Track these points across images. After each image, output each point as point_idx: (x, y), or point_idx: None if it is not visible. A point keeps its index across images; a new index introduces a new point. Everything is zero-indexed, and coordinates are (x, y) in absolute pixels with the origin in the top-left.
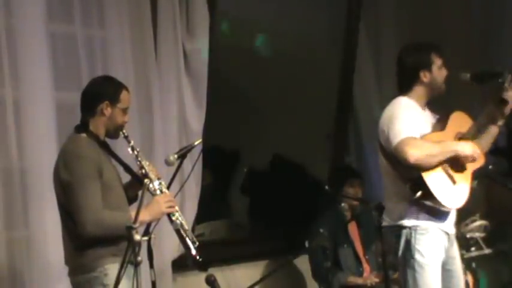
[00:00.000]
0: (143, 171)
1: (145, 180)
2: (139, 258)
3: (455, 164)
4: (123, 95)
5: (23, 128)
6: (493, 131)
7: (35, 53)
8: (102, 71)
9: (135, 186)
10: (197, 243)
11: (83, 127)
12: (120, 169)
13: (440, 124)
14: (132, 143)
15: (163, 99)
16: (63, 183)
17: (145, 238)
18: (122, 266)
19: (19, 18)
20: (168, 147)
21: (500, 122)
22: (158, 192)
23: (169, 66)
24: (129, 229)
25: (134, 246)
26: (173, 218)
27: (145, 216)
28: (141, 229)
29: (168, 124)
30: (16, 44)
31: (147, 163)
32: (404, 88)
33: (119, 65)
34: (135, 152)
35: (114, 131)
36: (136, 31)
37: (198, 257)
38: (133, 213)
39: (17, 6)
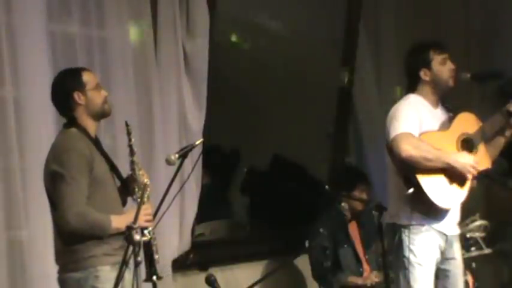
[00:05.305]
0: (135, 169)
1: (146, 181)
2: (139, 259)
3: (455, 173)
4: (85, 76)
5: (23, 127)
6: (500, 141)
7: (35, 52)
8: (101, 70)
9: (122, 192)
10: (159, 262)
11: (71, 123)
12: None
13: (448, 123)
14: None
15: (164, 100)
16: (52, 173)
17: (145, 238)
18: (121, 268)
19: (19, 17)
20: (168, 147)
21: (508, 133)
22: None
23: (169, 66)
24: (129, 229)
25: (134, 246)
26: (145, 232)
27: (121, 223)
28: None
29: (168, 124)
30: (16, 43)
31: (139, 166)
32: (411, 88)
33: (119, 65)
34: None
35: (101, 110)
36: (136, 31)
37: (158, 276)
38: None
39: (16, 6)
